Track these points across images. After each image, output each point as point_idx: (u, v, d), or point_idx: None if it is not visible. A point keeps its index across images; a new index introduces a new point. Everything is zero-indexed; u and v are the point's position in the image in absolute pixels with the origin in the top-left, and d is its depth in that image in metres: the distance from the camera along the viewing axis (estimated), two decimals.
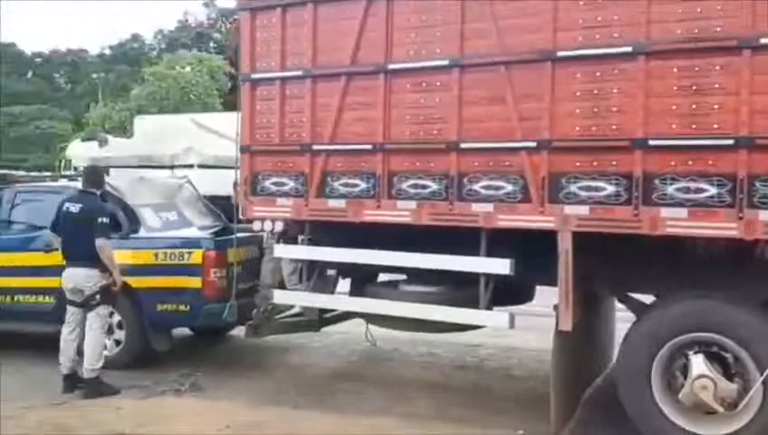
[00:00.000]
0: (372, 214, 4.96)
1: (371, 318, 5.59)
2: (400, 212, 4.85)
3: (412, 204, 4.83)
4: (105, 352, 5.70)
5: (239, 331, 7.07)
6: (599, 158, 4.28)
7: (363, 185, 5.01)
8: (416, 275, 5.21)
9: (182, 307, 6.03)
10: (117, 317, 6.09)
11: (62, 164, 26.78)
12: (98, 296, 5.47)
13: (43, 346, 6.19)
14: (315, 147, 5.16)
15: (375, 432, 4.78)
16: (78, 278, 5.48)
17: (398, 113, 4.90)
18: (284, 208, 5.33)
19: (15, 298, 6.49)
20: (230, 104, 28.64)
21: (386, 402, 5.37)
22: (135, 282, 6.00)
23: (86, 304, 5.51)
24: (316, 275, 5.51)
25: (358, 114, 5.02)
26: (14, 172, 7.46)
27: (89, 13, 68.46)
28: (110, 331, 5.99)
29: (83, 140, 26.41)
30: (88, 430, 4.83)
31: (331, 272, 5.67)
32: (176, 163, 11.70)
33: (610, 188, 4.24)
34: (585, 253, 4.31)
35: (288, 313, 6.17)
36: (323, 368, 6.42)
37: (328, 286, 5.72)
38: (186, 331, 7.07)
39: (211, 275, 5.98)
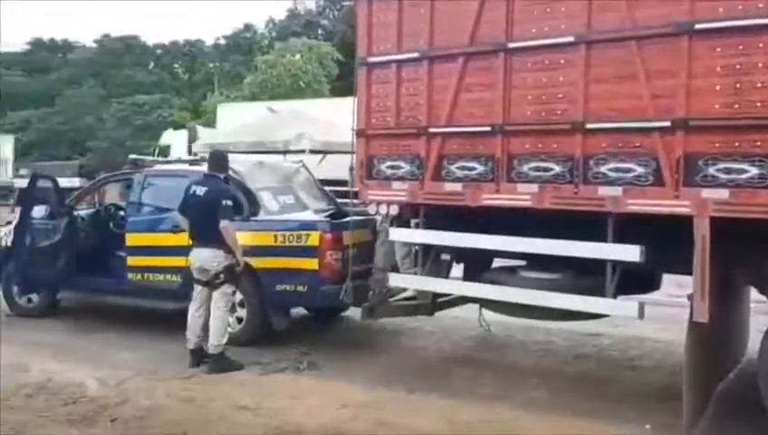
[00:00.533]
0: (490, 198, 4.85)
1: (488, 304, 5.50)
2: (521, 196, 4.71)
3: (534, 187, 4.68)
4: (229, 329, 5.92)
5: (352, 312, 7.22)
6: (741, 138, 3.96)
7: (481, 168, 4.90)
8: (536, 260, 5.06)
9: (300, 288, 6.17)
10: (239, 296, 6.32)
11: (156, 151, 28.52)
12: (222, 276, 5.69)
13: (171, 322, 6.55)
14: (431, 129, 5.10)
15: (492, 419, 4.70)
16: (204, 258, 5.73)
17: (519, 93, 4.75)
18: (400, 192, 5.31)
19: (146, 276, 6.88)
20: (338, 90, 29.19)
21: (502, 390, 5.27)
22: (255, 262, 6.20)
23: (211, 283, 5.74)
24: (431, 260, 5.48)
25: (476, 95, 4.91)
26: (144, 158, 7.88)
27: (204, 4, 71.51)
28: (232, 309, 6.23)
29: (175, 129, 28.01)
30: (214, 402, 5.05)
31: (445, 256, 5.62)
32: (289, 148, 12.06)
33: (754, 171, 3.92)
34: (723, 240, 4.01)
35: (401, 296, 6.19)
36: (437, 352, 6.40)
37: (442, 271, 5.68)
38: (302, 311, 7.26)
39: (327, 257, 6.08)
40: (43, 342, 6.59)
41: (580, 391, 5.23)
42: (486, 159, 4.86)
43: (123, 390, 5.27)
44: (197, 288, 5.85)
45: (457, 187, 5.00)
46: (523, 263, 5.33)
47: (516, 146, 4.77)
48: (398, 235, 5.55)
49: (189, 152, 21.87)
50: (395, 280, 5.65)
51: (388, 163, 5.34)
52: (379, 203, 5.47)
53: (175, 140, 26.39)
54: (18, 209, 8.26)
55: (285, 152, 12.17)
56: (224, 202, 5.64)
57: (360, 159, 5.51)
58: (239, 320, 6.44)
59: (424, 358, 6.18)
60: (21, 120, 46.41)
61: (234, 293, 5.86)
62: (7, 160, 36.98)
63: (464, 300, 6.13)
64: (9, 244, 7.54)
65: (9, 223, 7.99)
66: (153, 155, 27.86)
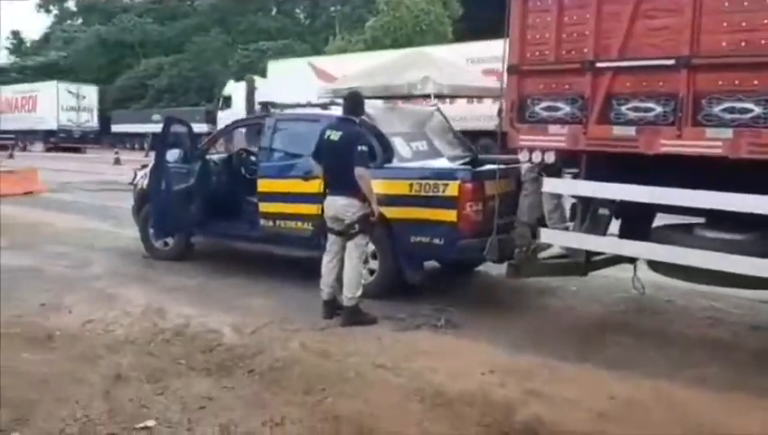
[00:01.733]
0: (671, 144, 4.16)
1: (657, 266, 4.84)
2: (710, 142, 4.00)
3: (727, 132, 3.94)
4: (362, 282, 5.64)
5: (486, 267, 6.75)
6: None
7: (659, 109, 4.21)
8: (717, 218, 4.35)
9: (436, 241, 5.75)
10: (371, 247, 6.01)
11: (220, 102, 28.82)
12: (357, 226, 5.37)
13: (304, 269, 6.36)
14: (599, 64, 4.44)
15: (659, 396, 4.13)
16: (338, 207, 5.42)
17: (712, 20, 3.98)
18: (557, 137, 4.71)
19: (277, 223, 6.71)
20: (461, 31, 28.13)
21: (668, 362, 4.66)
22: (389, 212, 5.83)
23: (345, 233, 5.44)
24: (589, 214, 4.88)
25: (657, 22, 4.19)
26: (275, 102, 7.65)
27: None
28: (365, 260, 5.93)
29: (237, 81, 28.40)
30: (351, 358, 4.78)
31: (603, 211, 5.00)
32: (413, 93, 11.54)
33: None
34: None
35: (549, 253, 5.63)
36: (586, 315, 5.83)
37: (599, 227, 5.07)
38: (435, 264, 6.86)
39: (467, 209, 5.61)
40: (177, 286, 6.61)
41: (761, 369, 4.53)
42: (667, 99, 4.16)
43: (258, 339, 5.12)
44: (331, 238, 5.57)
45: (629, 131, 4.33)
46: (697, 221, 4.63)
47: (706, 83, 4.03)
48: (554, 186, 4.98)
49: (249, 103, 22.44)
50: (547, 236, 5.10)
51: (545, 104, 4.74)
52: (531, 150, 4.90)
53: (236, 91, 26.93)
54: (153, 153, 8.33)
55: (408, 97, 11.68)
56: (359, 148, 5.27)
57: (511, 99, 4.94)
58: (371, 272, 6.13)
59: (572, 321, 5.64)
60: (153, 68, 48.64)
61: (367, 244, 5.52)
62: (92, 108, 39.30)
63: (618, 260, 5.51)
64: (145, 187, 7.62)
65: (145, 166, 8.07)
66: (218, 105, 28.55)
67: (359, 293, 5.44)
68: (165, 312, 5.72)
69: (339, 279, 5.52)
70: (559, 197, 5.75)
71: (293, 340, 5.10)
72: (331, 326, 5.41)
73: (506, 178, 5.93)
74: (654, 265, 4.87)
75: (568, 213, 5.72)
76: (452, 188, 5.66)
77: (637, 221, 5.14)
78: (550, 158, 4.86)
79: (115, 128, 42.77)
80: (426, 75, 11.57)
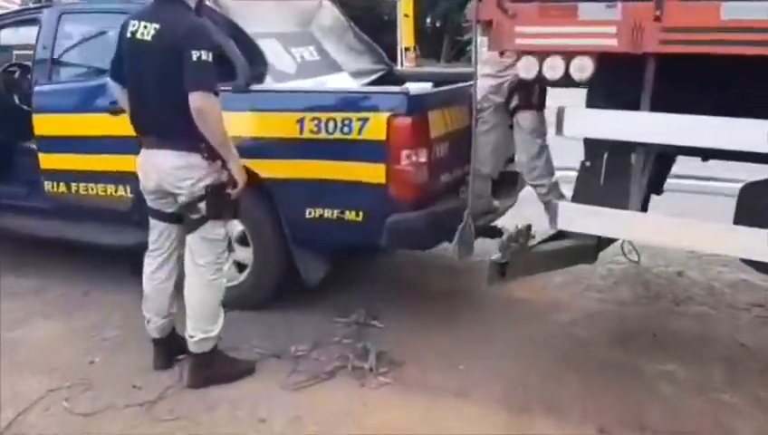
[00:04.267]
0: None
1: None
2: None
3: None
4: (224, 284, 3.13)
5: None
6: None
7: None
8: None
9: (350, 216, 3.37)
10: (238, 226, 3.55)
11: None
12: (203, 206, 2.85)
13: (117, 273, 3.83)
14: None
15: None
16: (164, 171, 2.85)
17: None
18: (600, 30, 2.41)
19: (73, 188, 4.01)
20: None
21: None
22: (265, 169, 3.39)
23: (184, 219, 2.92)
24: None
25: None
26: None
27: None
28: (228, 250, 3.46)
29: None
30: None
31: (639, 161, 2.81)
32: None
33: None
34: None
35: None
36: (596, 323, 3.67)
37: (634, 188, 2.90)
38: None
39: (404, 161, 3.24)
40: None
41: None
42: None
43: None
44: (157, 227, 3.02)
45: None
46: None
47: None
48: (592, 124, 2.68)
49: None
50: (572, 216, 2.84)
51: None
52: (543, 55, 2.56)
53: None
54: None
55: None
56: (195, 54, 2.66)
57: None
58: (239, 266, 3.68)
59: (580, 339, 3.48)
60: None
61: (225, 237, 3.00)
62: None
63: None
64: None
65: None
66: None
67: (217, 327, 2.99)
68: None
69: (180, 292, 3.03)
70: (544, 135, 3.56)
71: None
72: (170, 393, 2.94)
73: (455, 104, 3.61)
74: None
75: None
76: (376, 126, 3.24)
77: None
78: (582, 69, 2.53)
79: None
80: None
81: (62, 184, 4.04)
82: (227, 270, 3.15)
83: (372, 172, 3.27)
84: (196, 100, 2.66)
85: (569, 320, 3.63)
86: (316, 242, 3.55)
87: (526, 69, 2.59)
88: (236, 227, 3.56)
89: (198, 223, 2.86)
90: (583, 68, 2.48)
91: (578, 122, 2.62)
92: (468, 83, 3.54)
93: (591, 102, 2.81)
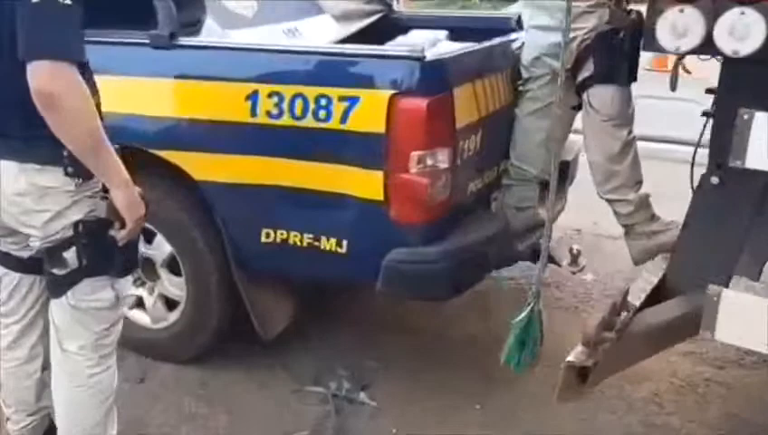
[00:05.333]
0: None
1: None
2: None
3: None
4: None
5: None
6: None
7: None
8: None
9: (327, 244, 2.17)
10: (168, 248, 2.38)
11: None
12: (71, 254, 1.63)
13: None
14: None
15: None
16: (4, 196, 1.63)
17: None
18: None
19: None
20: None
21: None
22: (199, 168, 2.19)
23: (45, 276, 1.71)
24: None
25: None
26: None
27: None
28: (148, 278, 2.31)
29: None
30: None
31: None
32: None
33: None
34: None
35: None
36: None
37: None
38: None
39: (413, 167, 2.02)
40: None
41: None
42: None
43: None
44: (9, 279, 1.81)
45: None
46: None
47: None
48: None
49: None
50: None
51: None
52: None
53: None
54: None
55: None
56: None
57: None
58: (169, 303, 2.52)
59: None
60: None
61: (116, 304, 1.77)
62: None
63: None
64: None
65: None
66: None
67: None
68: None
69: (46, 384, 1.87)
70: (630, 123, 2.37)
71: None
72: None
73: (493, 73, 2.37)
74: None
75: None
76: (370, 111, 2.01)
77: None
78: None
79: None
80: None
81: None
82: (154, 307, 1.98)
83: (363, 182, 2.07)
84: (40, 75, 1.43)
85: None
86: (275, 278, 2.37)
87: (678, 29, 1.37)
88: (164, 247, 2.39)
89: (65, 283, 1.67)
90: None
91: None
92: (512, 37, 2.34)
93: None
